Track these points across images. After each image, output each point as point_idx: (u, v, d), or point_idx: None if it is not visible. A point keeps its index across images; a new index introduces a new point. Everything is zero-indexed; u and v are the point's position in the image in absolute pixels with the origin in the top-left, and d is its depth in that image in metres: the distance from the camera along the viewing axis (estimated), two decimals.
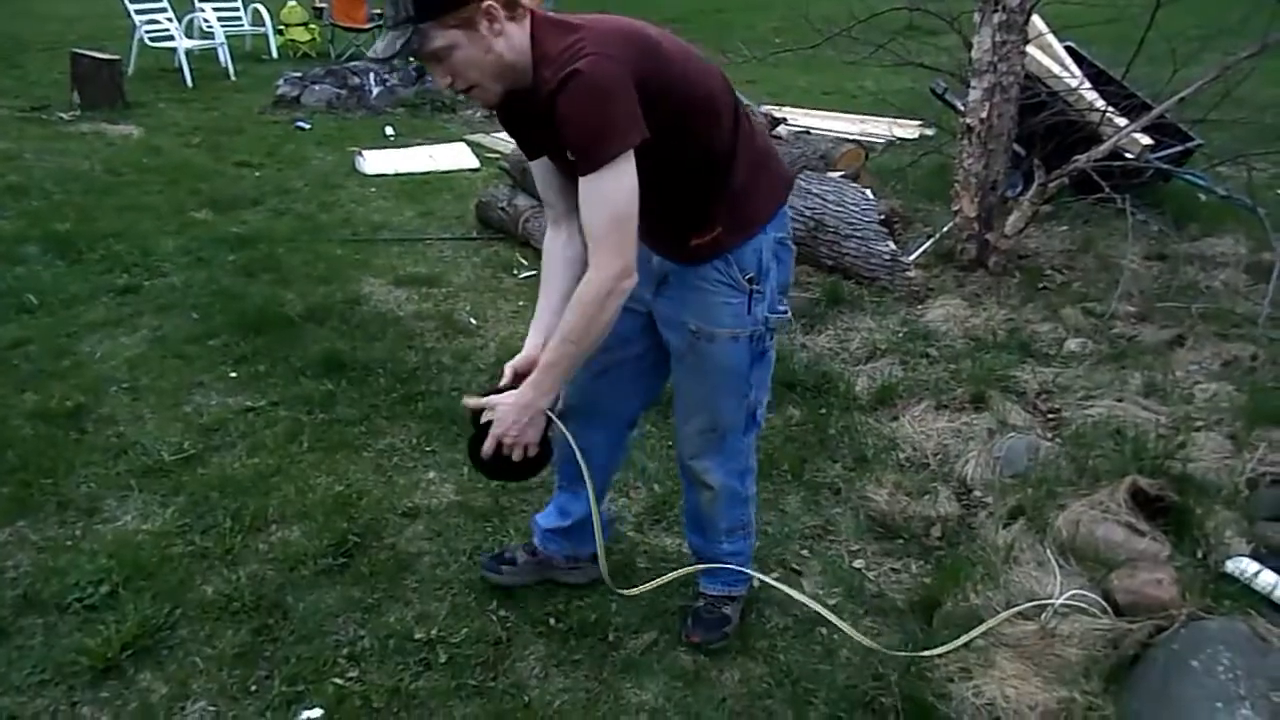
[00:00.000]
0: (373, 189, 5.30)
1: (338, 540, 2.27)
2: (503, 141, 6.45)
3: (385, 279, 3.95)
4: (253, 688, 1.85)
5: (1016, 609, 2.00)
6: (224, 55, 8.78)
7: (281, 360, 3.17)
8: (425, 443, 2.73)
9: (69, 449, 2.63)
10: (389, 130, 6.69)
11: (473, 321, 3.59)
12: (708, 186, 1.61)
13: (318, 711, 1.78)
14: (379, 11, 9.93)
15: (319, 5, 10.00)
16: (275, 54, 9.86)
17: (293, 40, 10.04)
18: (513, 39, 1.46)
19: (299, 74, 7.97)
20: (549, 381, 1.60)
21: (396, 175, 5.58)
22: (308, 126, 6.79)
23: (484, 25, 1.43)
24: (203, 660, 1.91)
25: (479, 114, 7.39)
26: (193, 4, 9.13)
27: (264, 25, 9.78)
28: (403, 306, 3.69)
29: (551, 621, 2.04)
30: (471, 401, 1.71)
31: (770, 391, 1.89)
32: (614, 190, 1.43)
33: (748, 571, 2.01)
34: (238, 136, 6.42)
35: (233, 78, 8.62)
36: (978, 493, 2.54)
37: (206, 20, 8.94)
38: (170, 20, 8.63)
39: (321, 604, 2.07)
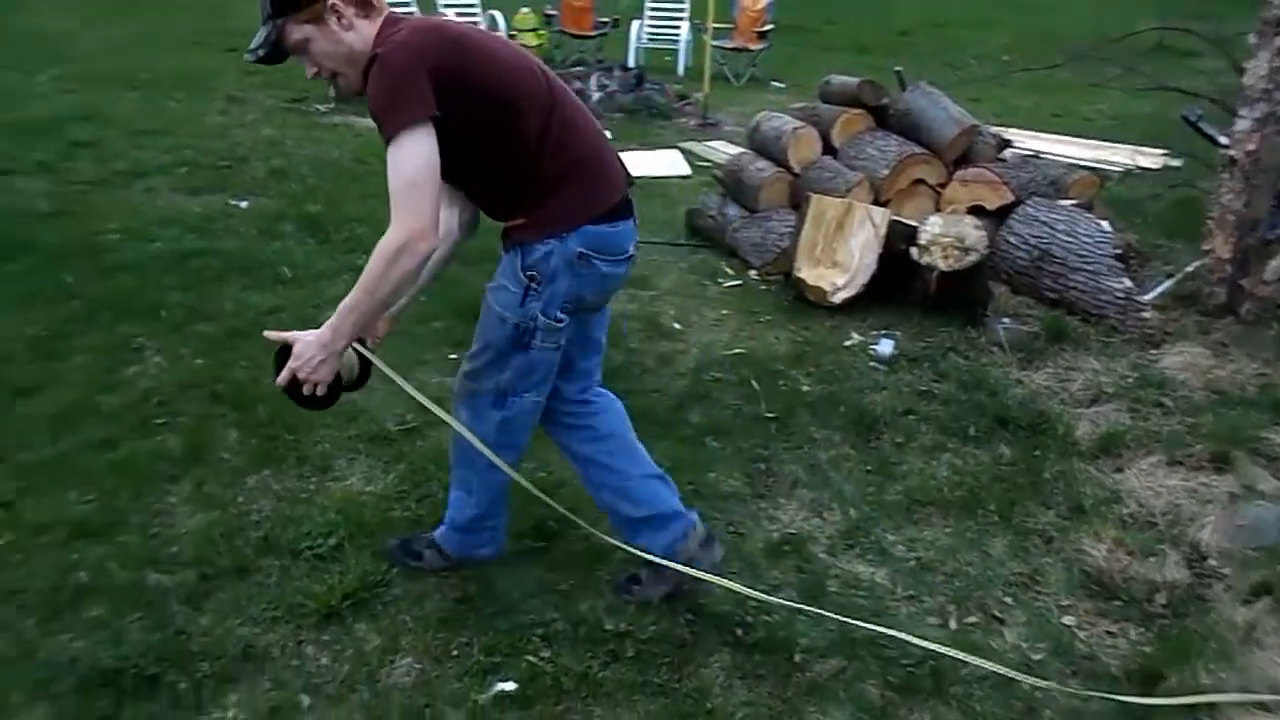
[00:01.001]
0: None
1: (537, 523, 2.37)
2: (715, 150, 6.52)
3: None
4: (454, 652, 1.96)
5: (1256, 696, 1.80)
6: None
7: None
8: None
9: (307, 413, 2.89)
10: (606, 134, 6.90)
11: (676, 326, 3.64)
12: (511, 179, 1.79)
13: (511, 685, 1.87)
14: (605, 20, 10.32)
15: (549, 13, 10.48)
16: None
17: (523, 45, 10.57)
18: (361, 32, 1.70)
19: None
20: (345, 325, 1.72)
21: None
22: None
23: (332, 21, 1.68)
24: (412, 619, 2.05)
25: (692, 122, 7.50)
26: (434, 8, 9.83)
27: (498, 30, 10.38)
28: (611, 305, 3.79)
29: (738, 632, 2.04)
30: (273, 335, 1.82)
31: (539, 392, 1.94)
32: (408, 157, 1.59)
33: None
34: None
35: None
36: (1213, 561, 2.30)
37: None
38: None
39: (520, 582, 2.16)
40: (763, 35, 9.74)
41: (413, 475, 2.57)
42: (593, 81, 8.12)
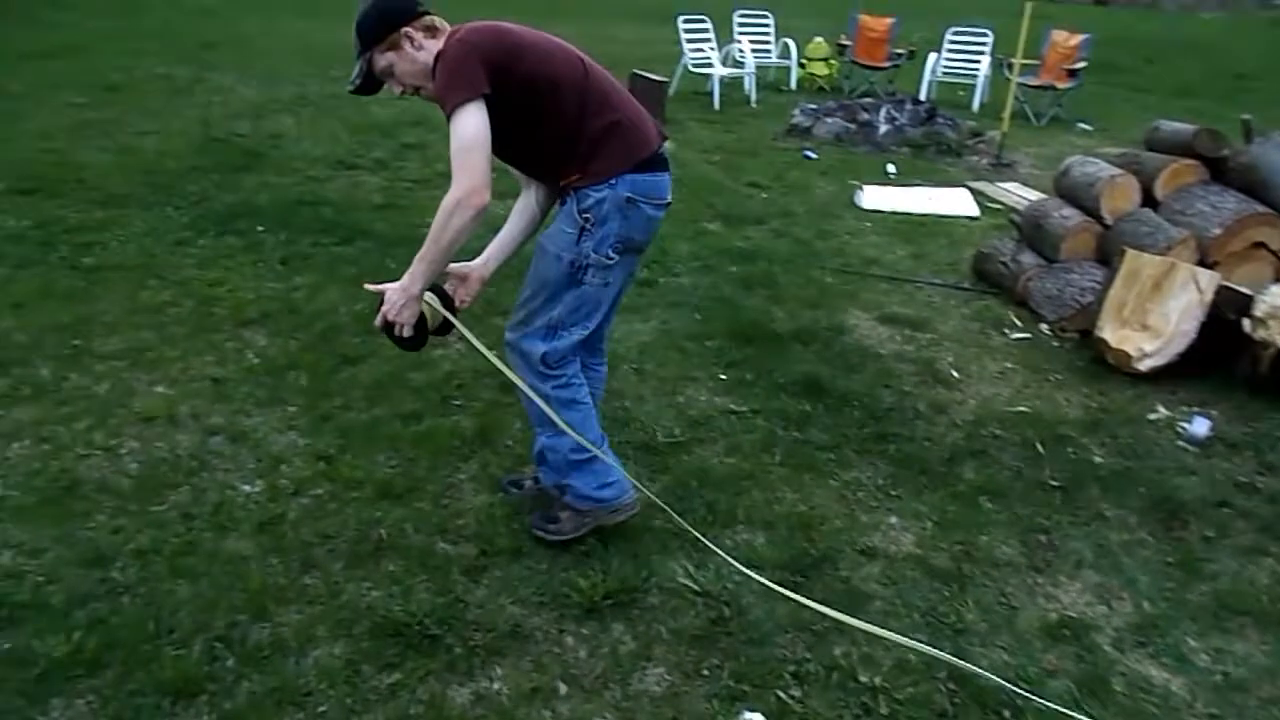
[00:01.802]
0: (868, 224, 5.39)
1: (795, 556, 2.33)
2: (1009, 192, 6.15)
3: (871, 314, 3.98)
4: (704, 671, 1.97)
5: None
6: (750, 84, 9.56)
7: (766, 373, 3.35)
8: (891, 485, 2.70)
9: None
10: (890, 168, 6.74)
11: (954, 374, 3.46)
12: (561, 143, 2.09)
13: (759, 716, 1.85)
14: (900, 51, 10.09)
15: (843, 43, 10.41)
16: (794, 85, 10.49)
17: (812, 74, 10.60)
18: (430, 50, 2.04)
19: (813, 106, 8.38)
20: (419, 271, 2.06)
21: (893, 213, 5.60)
22: (814, 156, 7.11)
23: (407, 45, 2.04)
24: (666, 631, 2.08)
25: (985, 161, 7.14)
26: (732, 36, 10.08)
27: (789, 59, 10.46)
28: (884, 345, 3.69)
29: (1005, 714, 1.89)
30: (371, 287, 2.18)
31: (583, 327, 2.20)
32: (463, 128, 1.91)
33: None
34: (751, 159, 6.94)
35: (753, 105, 9.34)
36: None
37: (741, 51, 9.81)
38: (712, 50, 9.63)
39: (773, 614, 2.14)
40: (1072, 73, 9.09)
41: (676, 488, 2.62)
42: (881, 114, 7.96)
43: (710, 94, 9.15)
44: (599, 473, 2.29)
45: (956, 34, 10.01)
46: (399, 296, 2.08)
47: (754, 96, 9.42)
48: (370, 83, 2.10)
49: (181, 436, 2.77)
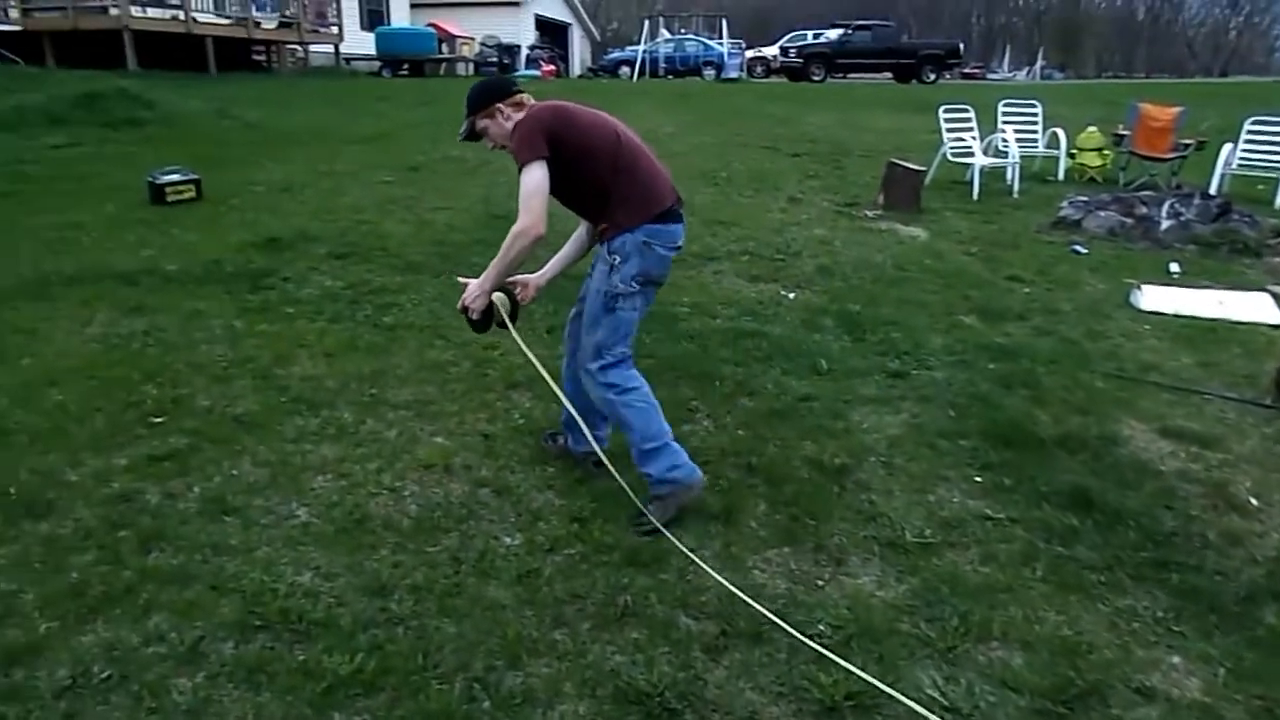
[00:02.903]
0: (1146, 326, 4.96)
1: (1059, 685, 2.15)
2: None
3: (1149, 425, 3.64)
4: None
5: None
6: (1012, 173, 9.19)
7: (1026, 479, 3.15)
8: (1174, 620, 2.43)
9: (830, 500, 3.00)
10: (1174, 267, 6.19)
11: (1253, 501, 3.08)
12: (597, 197, 2.73)
13: None
14: (1187, 141, 9.32)
15: (1120, 133, 9.78)
16: (1061, 176, 9.96)
17: (1083, 165, 10.02)
18: (514, 119, 2.72)
19: (1084, 198, 7.90)
20: (491, 274, 2.75)
21: (1176, 316, 5.12)
22: (1084, 251, 6.68)
23: (499, 116, 2.75)
24: None
25: None
26: (995, 125, 9.78)
27: (1057, 148, 9.97)
28: (1166, 461, 3.35)
29: None
30: (460, 279, 2.91)
31: (624, 344, 2.81)
32: (527, 180, 2.57)
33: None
34: (1012, 251, 6.64)
35: (1015, 195, 8.96)
36: None
37: (1004, 140, 9.47)
38: (974, 139, 9.39)
39: None
40: None
41: (925, 593, 2.51)
42: (1163, 208, 7.35)
43: (969, 183, 8.90)
44: (668, 457, 2.81)
45: (1258, 123, 9.10)
46: (474, 290, 2.82)
47: (1017, 187, 9.05)
48: (470, 136, 2.85)
49: (454, 485, 3.04)
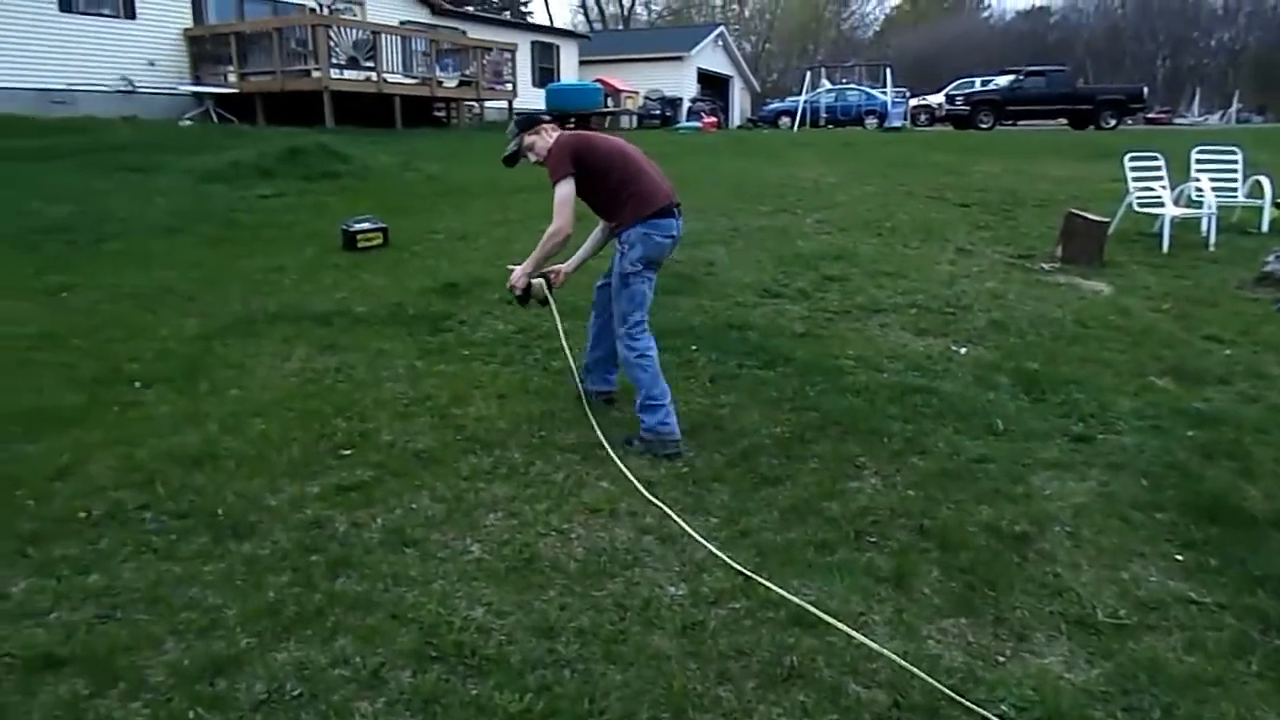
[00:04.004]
0: None
1: None
2: None
3: None
4: None
5: None
6: (1208, 225, 8.54)
7: (1236, 561, 2.87)
8: None
9: (1009, 570, 2.84)
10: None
11: None
12: (609, 202, 3.69)
13: None
14: None
15: None
16: (1265, 228, 9.16)
17: None
18: (551, 137, 3.69)
19: None
20: (529, 264, 3.73)
21: None
22: None
23: (543, 132, 3.70)
24: None
25: None
26: (1188, 174, 9.13)
27: (1261, 198, 9.19)
28: None
29: None
30: (510, 265, 3.88)
31: (641, 311, 3.68)
32: (559, 193, 3.51)
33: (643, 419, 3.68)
34: (1209, 309, 6.14)
35: (1211, 248, 8.31)
36: None
37: (1199, 190, 8.83)
38: (1163, 188, 8.79)
39: None
40: None
41: (1120, 678, 2.31)
42: None
43: (1158, 235, 8.33)
44: (662, 414, 3.62)
45: None
46: (519, 274, 3.80)
47: (1213, 239, 8.39)
48: (515, 156, 3.78)
49: (619, 530, 3.07)
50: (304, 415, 3.94)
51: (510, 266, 3.86)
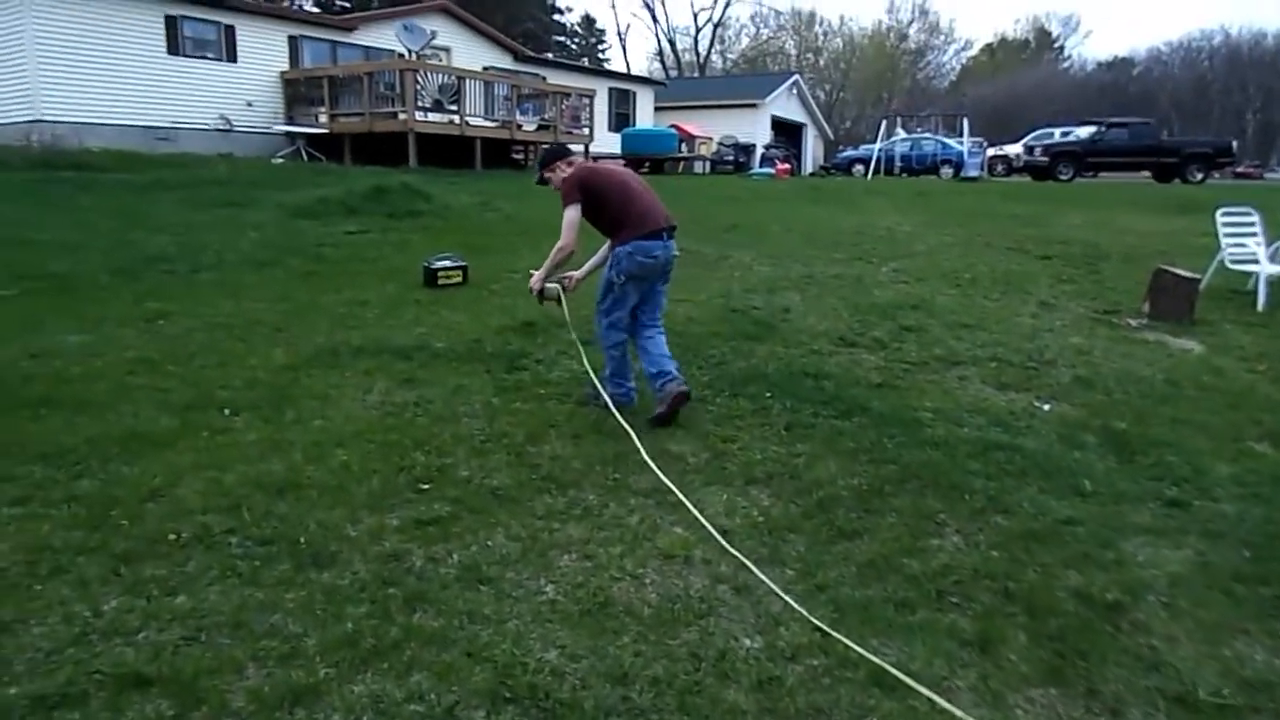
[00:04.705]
0: None
1: None
2: None
3: None
4: None
5: None
6: None
7: None
8: None
9: (1102, 640, 2.71)
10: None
11: None
12: (608, 225, 4.40)
13: None
14: None
15: None
16: None
17: None
18: (565, 171, 4.45)
19: None
20: (543, 271, 4.53)
21: None
22: None
23: (559, 169, 4.49)
24: None
25: None
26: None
27: None
28: None
29: None
30: (531, 271, 4.68)
31: (618, 311, 4.45)
32: (566, 216, 4.27)
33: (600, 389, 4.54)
34: None
35: None
36: None
37: None
38: (1258, 244, 8.48)
39: None
40: None
41: None
42: None
43: (1253, 293, 8.02)
44: (618, 388, 4.56)
45: None
46: (537, 277, 4.60)
47: None
48: (542, 182, 4.61)
49: (694, 578, 3.04)
50: (384, 447, 4.02)
51: (531, 271, 4.72)
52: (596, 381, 4.54)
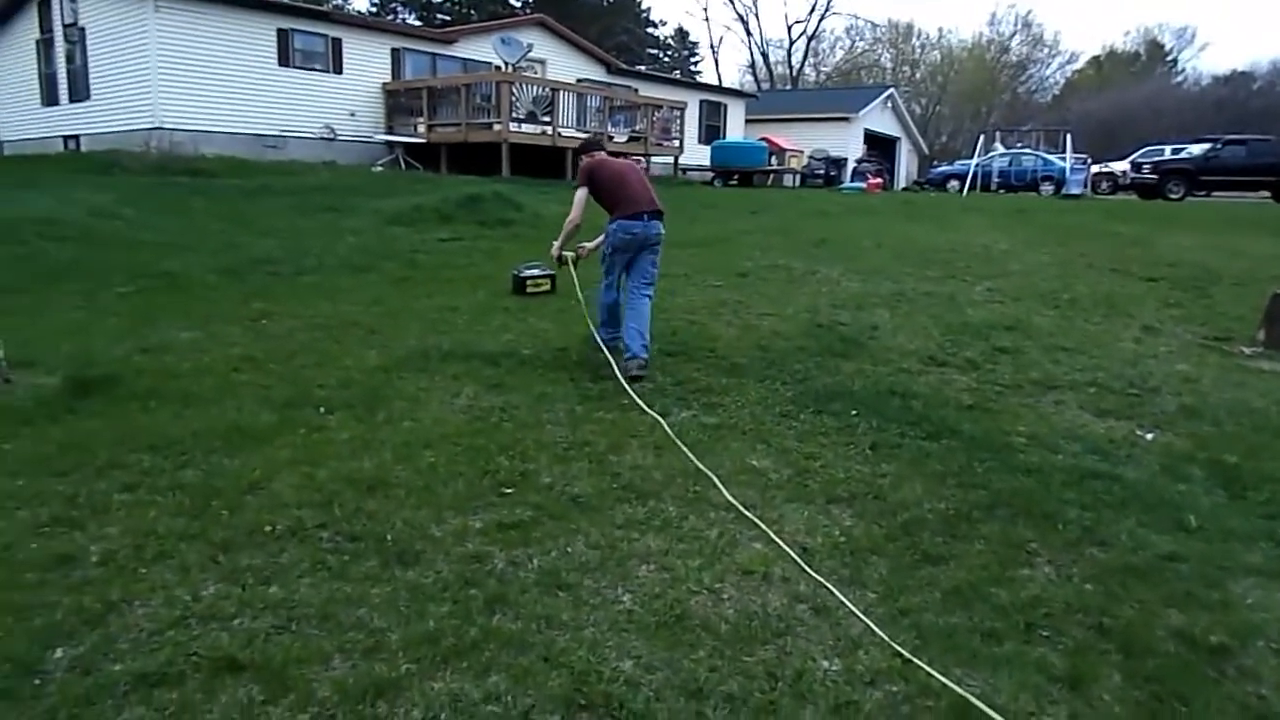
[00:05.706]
0: None
1: None
2: None
3: None
4: None
5: None
6: None
7: None
8: None
9: (1205, 686, 2.58)
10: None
11: None
12: (607, 206, 5.50)
13: None
14: None
15: None
16: None
17: None
18: (584, 162, 5.66)
19: None
20: (560, 241, 5.78)
21: None
22: None
23: (585, 158, 5.68)
24: None
25: None
26: None
27: None
28: None
29: None
30: (553, 241, 5.92)
31: (612, 275, 5.60)
32: (576, 196, 5.51)
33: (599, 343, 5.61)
34: None
35: None
36: None
37: None
38: None
39: None
40: None
41: None
42: None
43: None
44: (608, 335, 5.61)
45: None
46: (555, 247, 5.77)
47: None
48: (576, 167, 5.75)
49: (772, 596, 3.00)
50: (470, 450, 4.10)
51: (553, 242, 5.83)
52: (593, 328, 5.73)
